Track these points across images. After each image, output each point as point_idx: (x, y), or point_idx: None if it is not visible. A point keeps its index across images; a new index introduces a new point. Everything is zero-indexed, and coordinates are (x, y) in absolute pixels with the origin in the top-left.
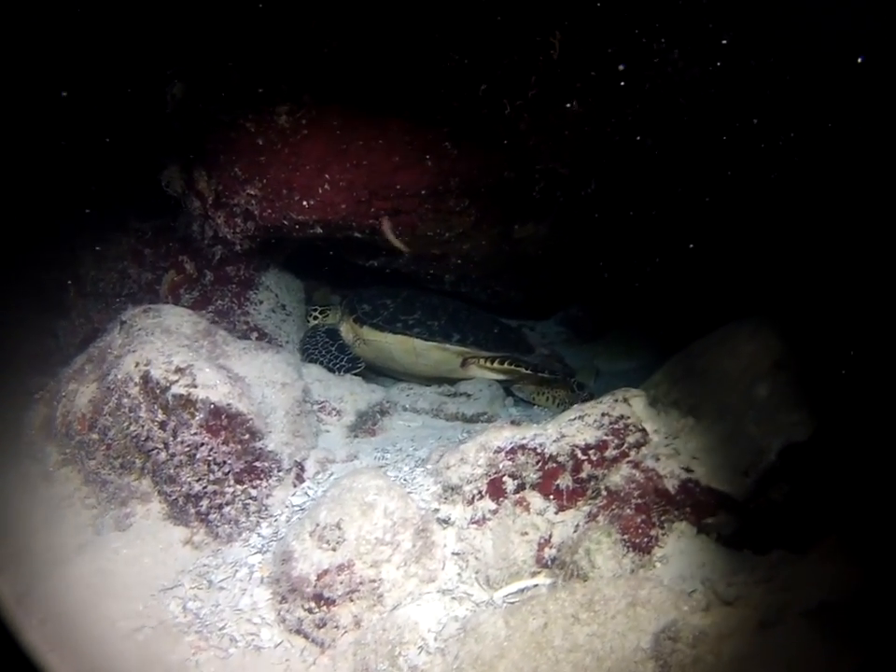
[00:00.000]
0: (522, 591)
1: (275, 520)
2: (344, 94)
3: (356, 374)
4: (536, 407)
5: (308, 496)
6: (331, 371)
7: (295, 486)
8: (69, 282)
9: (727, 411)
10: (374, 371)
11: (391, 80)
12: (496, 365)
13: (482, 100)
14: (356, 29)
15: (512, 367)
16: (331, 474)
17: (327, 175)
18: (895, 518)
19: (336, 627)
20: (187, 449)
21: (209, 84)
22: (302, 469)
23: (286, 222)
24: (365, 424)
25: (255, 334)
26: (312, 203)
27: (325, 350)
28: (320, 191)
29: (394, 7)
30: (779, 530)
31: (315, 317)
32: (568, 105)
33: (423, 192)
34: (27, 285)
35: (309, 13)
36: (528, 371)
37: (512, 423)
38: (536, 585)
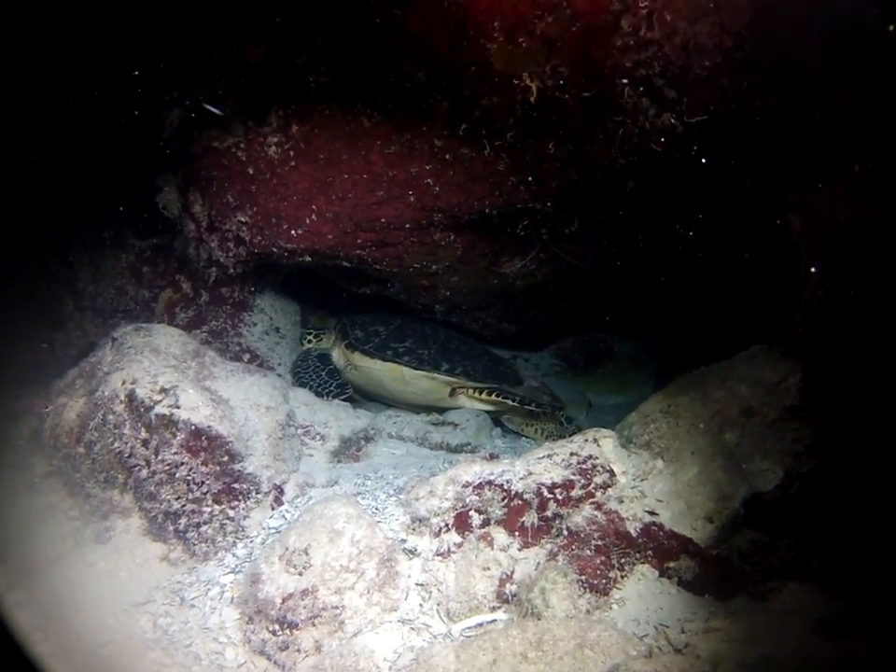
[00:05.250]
0: (480, 625)
1: (251, 541)
2: (331, 128)
3: (343, 400)
4: (523, 439)
5: (285, 519)
6: (319, 395)
7: (273, 509)
8: (67, 295)
9: (696, 455)
10: (365, 398)
11: (376, 116)
12: (483, 396)
13: (463, 139)
14: (345, 64)
15: (499, 398)
16: (310, 498)
17: (313, 206)
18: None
19: (297, 651)
20: (167, 468)
21: (204, 111)
22: (282, 493)
23: (275, 249)
24: (349, 449)
25: (247, 356)
26: (299, 232)
27: (314, 374)
28: (307, 221)
29: (380, 45)
30: (741, 577)
31: (309, 341)
32: (546, 149)
33: (407, 226)
34: (25, 295)
35: (299, 47)
36: (515, 404)
37: (491, 456)
38: (494, 620)
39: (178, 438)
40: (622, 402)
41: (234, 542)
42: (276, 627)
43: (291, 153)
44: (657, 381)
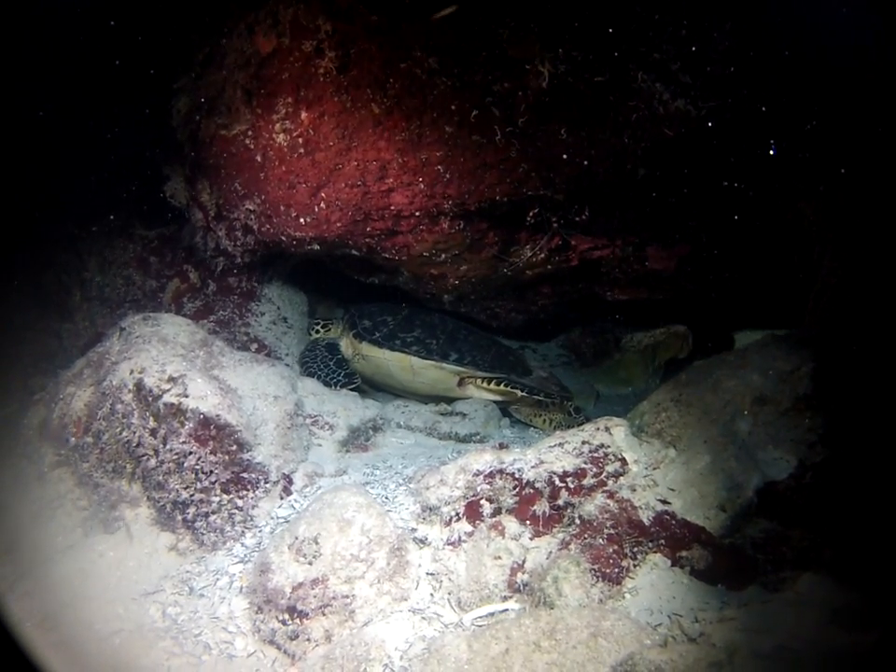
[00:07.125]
0: (492, 614)
1: (260, 531)
2: (340, 115)
3: (351, 390)
4: (532, 429)
5: (294, 508)
6: (327, 385)
7: (282, 499)
8: (75, 286)
9: (708, 444)
10: (373, 388)
11: (386, 103)
12: (491, 386)
13: (473, 125)
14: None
15: (508, 388)
16: (319, 488)
17: (322, 195)
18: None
19: (307, 640)
20: (175, 457)
21: (212, 99)
22: (290, 482)
23: (283, 238)
24: (357, 439)
25: (255, 345)
26: (308, 220)
27: (323, 364)
28: (316, 210)
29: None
30: (754, 566)
31: (317, 331)
32: (558, 135)
33: (417, 214)
34: (32, 286)
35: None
36: (523, 394)
37: (501, 445)
38: (506, 610)
39: (187, 427)
40: (629, 393)
41: (243, 532)
42: (286, 617)
43: (300, 141)
44: (666, 372)
